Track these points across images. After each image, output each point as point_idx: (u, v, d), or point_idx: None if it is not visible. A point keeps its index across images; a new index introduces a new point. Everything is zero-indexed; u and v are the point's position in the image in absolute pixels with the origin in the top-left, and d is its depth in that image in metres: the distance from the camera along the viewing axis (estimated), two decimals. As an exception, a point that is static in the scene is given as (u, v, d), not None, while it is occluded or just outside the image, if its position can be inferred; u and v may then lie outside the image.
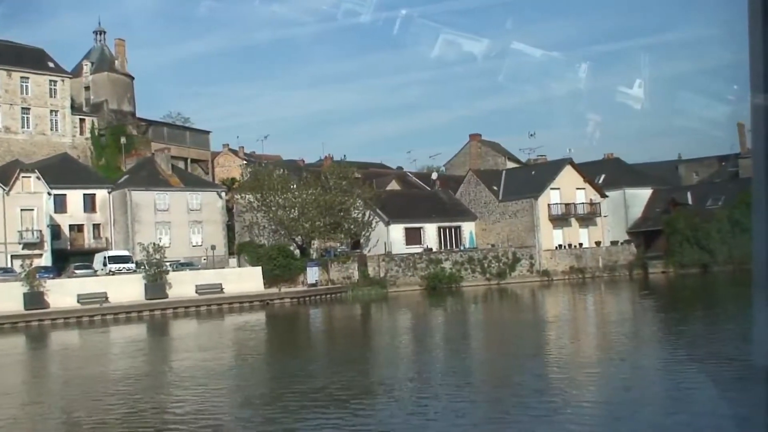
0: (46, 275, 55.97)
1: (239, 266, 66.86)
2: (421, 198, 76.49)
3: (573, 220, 72.46)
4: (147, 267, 57.00)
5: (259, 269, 62.43)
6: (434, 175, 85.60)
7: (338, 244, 69.62)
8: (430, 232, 71.21)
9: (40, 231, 63.49)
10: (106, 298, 53.77)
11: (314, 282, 62.47)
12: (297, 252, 67.20)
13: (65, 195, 67.91)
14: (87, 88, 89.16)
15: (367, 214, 68.83)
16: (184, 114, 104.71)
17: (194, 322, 49.65)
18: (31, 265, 56.13)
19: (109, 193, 70.04)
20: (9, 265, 60.37)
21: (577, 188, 72.99)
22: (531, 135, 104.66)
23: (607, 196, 74.69)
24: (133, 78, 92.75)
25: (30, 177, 64.14)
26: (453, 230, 72.83)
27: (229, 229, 74.30)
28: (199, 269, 63.27)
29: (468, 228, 73.67)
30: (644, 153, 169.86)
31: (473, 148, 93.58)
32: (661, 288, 62.02)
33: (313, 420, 16.31)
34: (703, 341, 26.71)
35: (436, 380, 21.06)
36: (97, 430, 17.35)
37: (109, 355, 34.64)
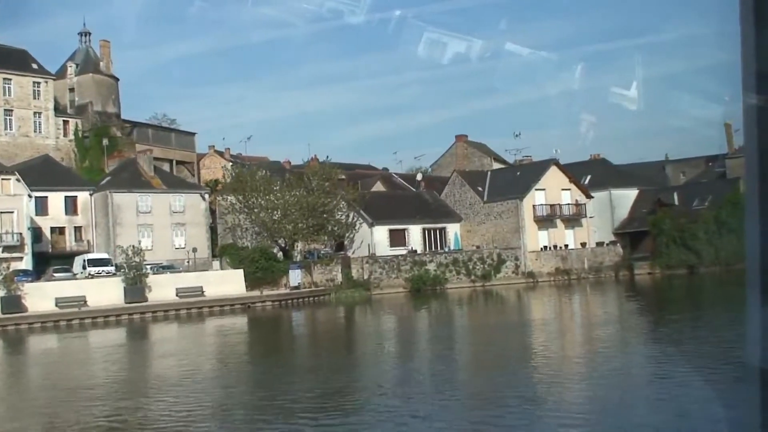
0: (24, 278, 55.33)
1: (222, 269, 66.28)
2: (405, 199, 75.92)
3: (558, 221, 72.09)
4: (126, 270, 56.40)
5: (240, 272, 61.89)
6: (419, 176, 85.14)
7: (322, 246, 69.15)
8: (415, 233, 70.73)
9: (20, 234, 62.75)
10: (85, 301, 53.25)
11: (297, 285, 61.97)
12: (280, 254, 66.69)
13: (46, 197, 67.25)
14: (72, 90, 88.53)
15: (351, 215, 68.35)
16: (170, 115, 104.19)
17: (173, 326, 49.14)
18: (8, 268, 55.45)
19: (90, 195, 69.42)
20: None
21: (563, 189, 72.66)
22: (516, 135, 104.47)
23: (592, 197, 74.38)
24: (118, 79, 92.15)
25: (10, 179, 63.41)
26: (438, 232, 72.37)
27: (213, 231, 73.73)
28: (180, 272, 62.68)
29: (453, 229, 73.25)
30: (634, 153, 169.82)
31: (459, 149, 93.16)
32: (646, 289, 61.72)
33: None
34: (690, 343, 26.44)
35: (414, 390, 20.19)
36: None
37: (85, 361, 33.95)
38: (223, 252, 69.20)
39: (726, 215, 68.11)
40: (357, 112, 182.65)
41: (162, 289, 56.91)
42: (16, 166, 68.07)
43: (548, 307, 51.25)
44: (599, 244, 73.88)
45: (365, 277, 64.69)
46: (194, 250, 67.32)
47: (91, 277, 57.59)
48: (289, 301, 58.18)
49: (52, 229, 67.97)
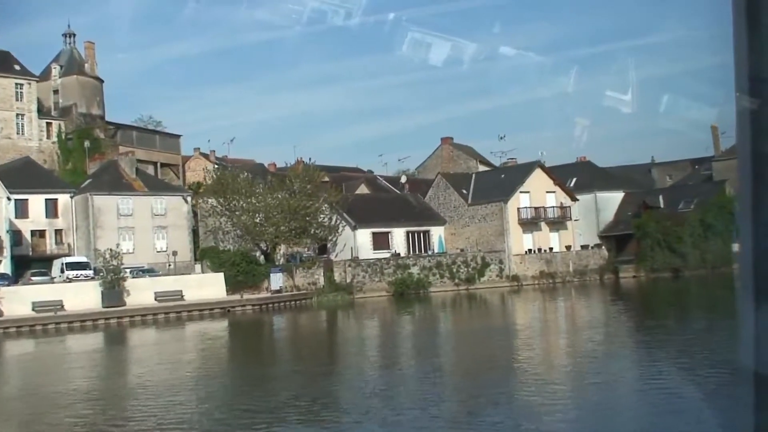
0: (1, 282, 54.79)
1: (203, 272, 65.65)
2: (389, 202, 75.39)
3: (543, 224, 71.71)
4: (104, 273, 55.78)
5: (221, 275, 61.31)
6: (403, 179, 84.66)
7: (305, 249, 68.61)
8: (398, 236, 70.26)
9: (-1, 237, 62.19)
10: (62, 305, 52.54)
11: (278, 288, 61.43)
12: (261, 258, 66.13)
13: (27, 200, 66.53)
14: (56, 92, 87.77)
15: (334, 218, 67.83)
16: (158, 118, 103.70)
17: (151, 330, 48.52)
18: (-14, 272, 54.92)
19: (71, 197, 68.74)
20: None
21: (548, 192, 72.30)
22: (501, 138, 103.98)
23: (577, 200, 74.04)
24: (102, 81, 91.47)
25: (-12, 181, 62.81)
26: (422, 235, 71.93)
27: (195, 234, 73.09)
28: (159, 275, 62.03)
29: (437, 232, 72.81)
30: (623, 156, 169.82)
31: (445, 152, 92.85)
32: (631, 293, 61.39)
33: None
34: (678, 347, 26.23)
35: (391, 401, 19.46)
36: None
37: (58, 368, 33.17)
38: (203, 255, 68.51)
39: (712, 218, 67.89)
40: (347, 115, 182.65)
41: (140, 293, 56.24)
42: (-5, 169, 67.45)
43: (532, 312, 50.92)
44: (584, 247, 73.57)
45: (348, 280, 64.19)
46: (174, 253, 66.62)
47: (69, 281, 56.98)
48: (270, 305, 57.55)
49: (33, 232, 67.22)
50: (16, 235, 64.52)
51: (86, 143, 79.66)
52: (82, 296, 53.96)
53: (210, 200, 67.66)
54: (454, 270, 67.35)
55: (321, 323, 51.59)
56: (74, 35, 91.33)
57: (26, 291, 54.25)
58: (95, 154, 78.25)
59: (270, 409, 18.66)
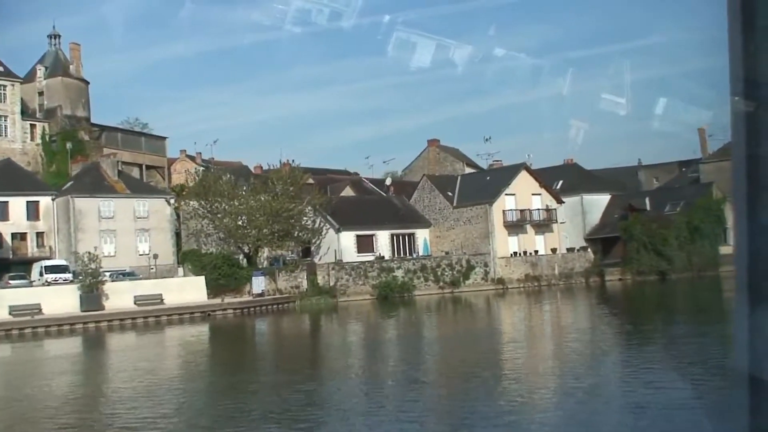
0: (-22, 286, 54.28)
1: (184, 275, 64.99)
2: (373, 204, 74.76)
3: (528, 227, 71.25)
4: (83, 277, 55.12)
5: (202, 279, 60.65)
6: (388, 181, 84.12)
7: (288, 252, 68.03)
8: (383, 239, 69.75)
9: (-22, 240, 61.59)
10: (40, 309, 51.92)
11: (261, 292, 60.79)
12: (244, 261, 65.52)
13: (7, 202, 65.88)
14: (41, 93, 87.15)
15: (318, 221, 67.29)
16: (142, 120, 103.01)
17: (129, 335, 47.95)
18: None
19: (53, 200, 68.04)
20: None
21: (533, 194, 71.86)
22: (486, 140, 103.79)
23: (563, 202, 73.61)
24: (88, 83, 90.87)
25: (-33, 184, 62.25)
26: (406, 237, 71.43)
27: (179, 237, 72.43)
28: (140, 279, 61.40)
29: (422, 235, 72.33)
30: (611, 158, 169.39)
31: (431, 154, 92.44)
32: (617, 296, 61.11)
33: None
34: (667, 350, 26.11)
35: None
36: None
37: (34, 373, 32.56)
38: (184, 258, 67.83)
39: (698, 220, 67.71)
40: (336, 117, 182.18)
41: (120, 296, 55.64)
42: (-24, 171, 66.80)
43: (517, 316, 50.46)
44: (570, 249, 73.21)
45: (331, 283, 63.67)
46: (155, 256, 65.89)
47: (48, 285, 56.31)
48: (252, 309, 56.95)
49: (14, 235, 66.45)
50: (-5, 237, 63.95)
51: (69, 145, 78.92)
52: (61, 300, 53.24)
53: (192, 202, 66.98)
54: (439, 273, 66.86)
55: (303, 328, 51.00)
56: (59, 36, 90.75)
57: (3, 294, 53.47)
58: (78, 156, 77.58)
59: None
